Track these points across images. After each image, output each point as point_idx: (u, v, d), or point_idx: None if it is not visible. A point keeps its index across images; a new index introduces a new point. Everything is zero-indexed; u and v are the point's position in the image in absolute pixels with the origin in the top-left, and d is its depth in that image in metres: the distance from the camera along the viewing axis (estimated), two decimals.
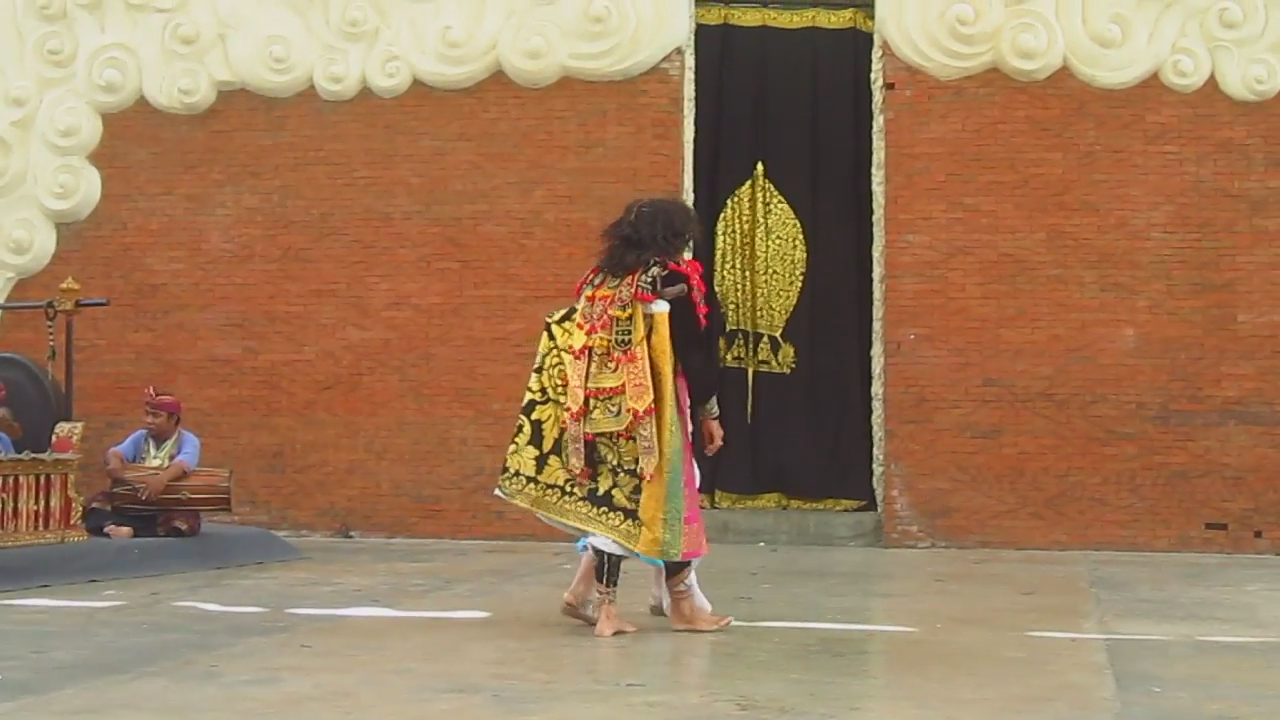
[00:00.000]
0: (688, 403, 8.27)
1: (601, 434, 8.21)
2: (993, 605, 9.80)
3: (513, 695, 6.40)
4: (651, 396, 8.07)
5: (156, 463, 11.91)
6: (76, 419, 11.86)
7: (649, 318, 8.17)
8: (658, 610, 8.60)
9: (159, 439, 12.02)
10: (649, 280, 8.17)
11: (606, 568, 8.19)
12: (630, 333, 8.17)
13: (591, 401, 8.21)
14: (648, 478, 8.09)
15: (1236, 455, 13.56)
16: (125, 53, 14.73)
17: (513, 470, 8.40)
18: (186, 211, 14.70)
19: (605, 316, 8.26)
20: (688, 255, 8.60)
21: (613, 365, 8.20)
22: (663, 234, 8.30)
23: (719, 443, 8.43)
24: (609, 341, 8.23)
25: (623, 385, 8.15)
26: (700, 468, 8.63)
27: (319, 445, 14.36)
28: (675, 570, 8.32)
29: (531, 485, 8.35)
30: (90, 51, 14.76)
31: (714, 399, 8.32)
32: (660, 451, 8.07)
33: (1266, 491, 13.52)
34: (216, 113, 14.68)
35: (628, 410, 8.11)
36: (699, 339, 8.19)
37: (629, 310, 8.19)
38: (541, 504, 8.35)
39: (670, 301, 8.16)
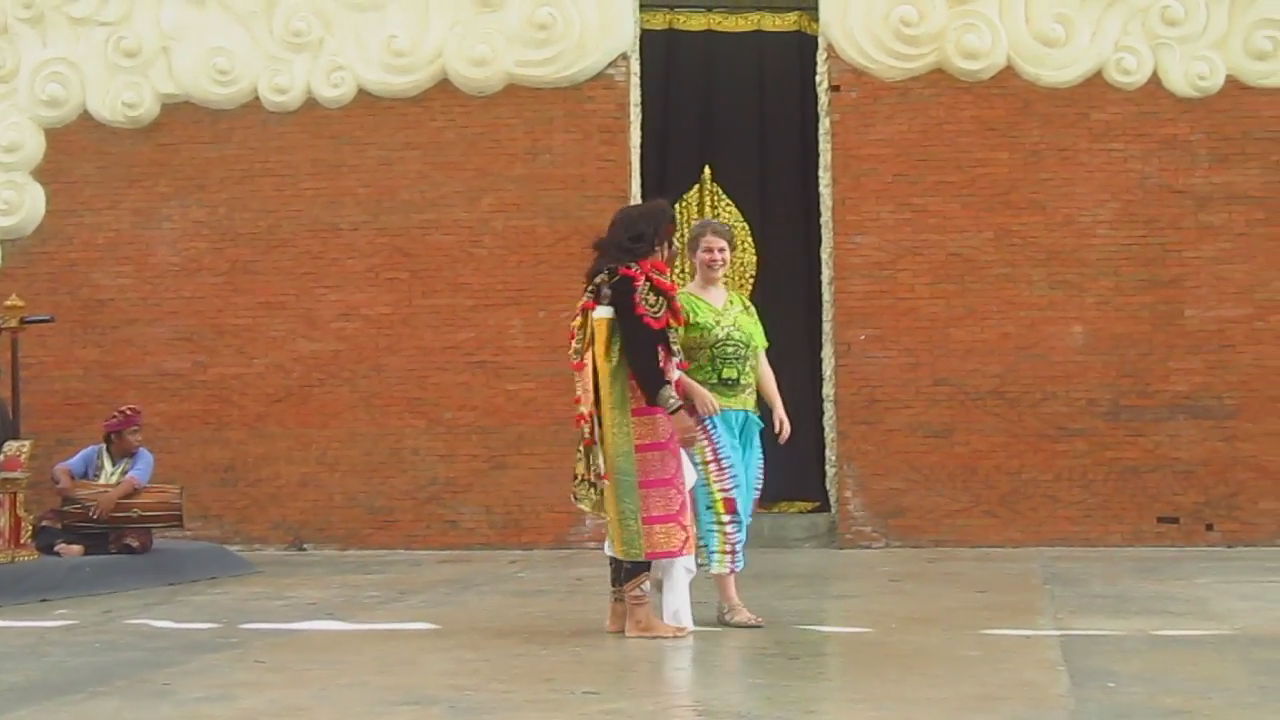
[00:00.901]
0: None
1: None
2: (947, 604, 9.83)
3: (469, 706, 6.38)
4: (591, 400, 8.23)
5: (112, 479, 11.83)
6: (25, 437, 11.77)
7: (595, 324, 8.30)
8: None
9: (120, 455, 11.95)
10: (593, 288, 8.28)
11: (611, 570, 8.44)
12: (580, 341, 8.30)
13: None
14: (604, 480, 8.26)
15: (1186, 449, 13.64)
16: (68, 67, 14.64)
17: (579, 477, 8.51)
18: (133, 226, 14.61)
19: (570, 327, 8.43)
20: (666, 254, 8.55)
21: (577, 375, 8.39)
22: (623, 238, 8.34)
23: (691, 435, 8.39)
24: (571, 351, 8.39)
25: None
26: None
27: (270, 458, 14.30)
28: (633, 573, 8.32)
29: (591, 490, 8.48)
30: (32, 66, 14.66)
31: (669, 393, 8.23)
32: (604, 454, 8.22)
33: (1217, 485, 13.60)
34: (161, 126, 14.60)
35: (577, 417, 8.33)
36: (637, 339, 8.18)
37: (578, 319, 8.33)
38: (597, 508, 8.52)
39: (614, 304, 8.20)
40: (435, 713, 6.28)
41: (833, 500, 14.08)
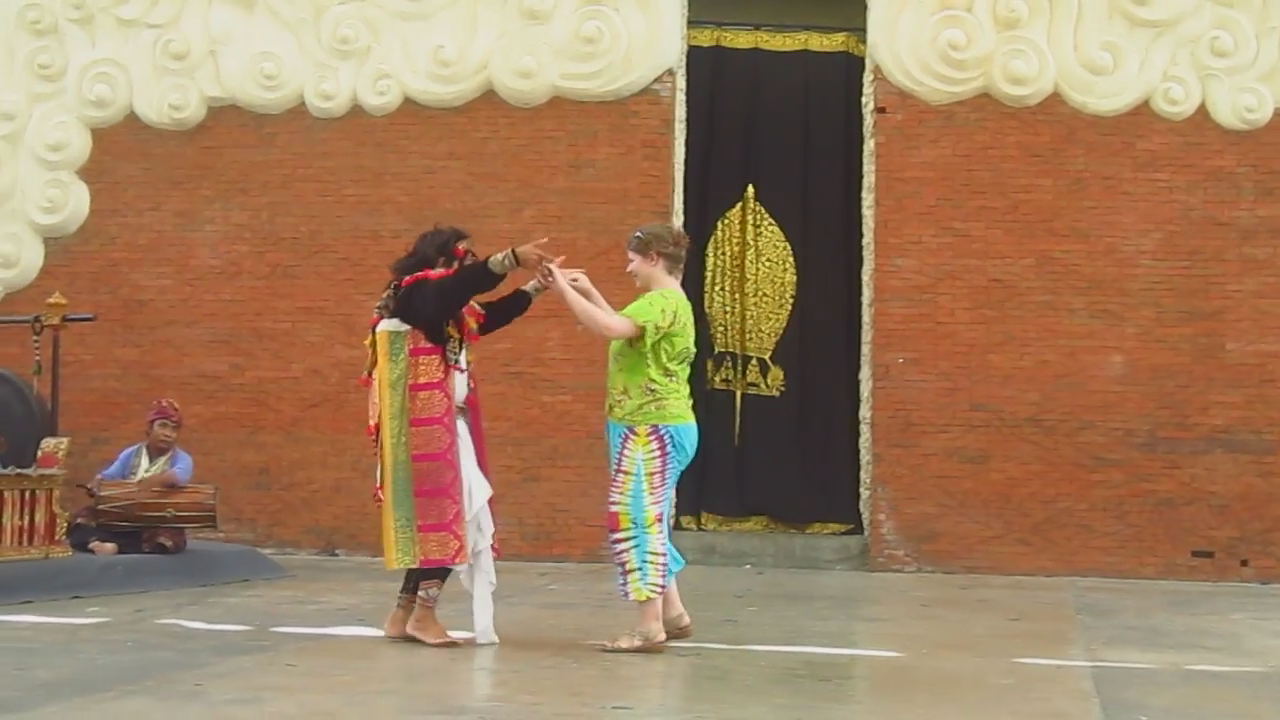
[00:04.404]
0: (451, 407, 8.37)
1: None
2: (979, 631, 9.79)
3: (498, 718, 6.37)
4: (374, 414, 8.43)
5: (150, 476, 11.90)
6: (62, 434, 11.81)
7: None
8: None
9: (161, 452, 11.99)
10: (379, 305, 8.58)
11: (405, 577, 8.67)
12: (370, 359, 8.58)
13: None
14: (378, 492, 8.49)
15: (1223, 483, 13.56)
16: (116, 68, 14.70)
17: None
18: (175, 227, 14.67)
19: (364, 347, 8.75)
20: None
21: None
22: (405, 259, 8.61)
23: (539, 254, 8.44)
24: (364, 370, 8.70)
25: None
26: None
27: (305, 463, 14.33)
28: (421, 577, 8.47)
29: None
30: (80, 66, 14.73)
31: (494, 257, 8.33)
32: (382, 465, 8.39)
33: (1253, 520, 13.52)
34: (206, 129, 14.66)
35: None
36: (441, 284, 8.35)
37: (369, 338, 8.60)
38: None
39: (403, 303, 8.37)
40: None
41: (866, 523, 14.04)
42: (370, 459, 13.91)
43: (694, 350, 8.58)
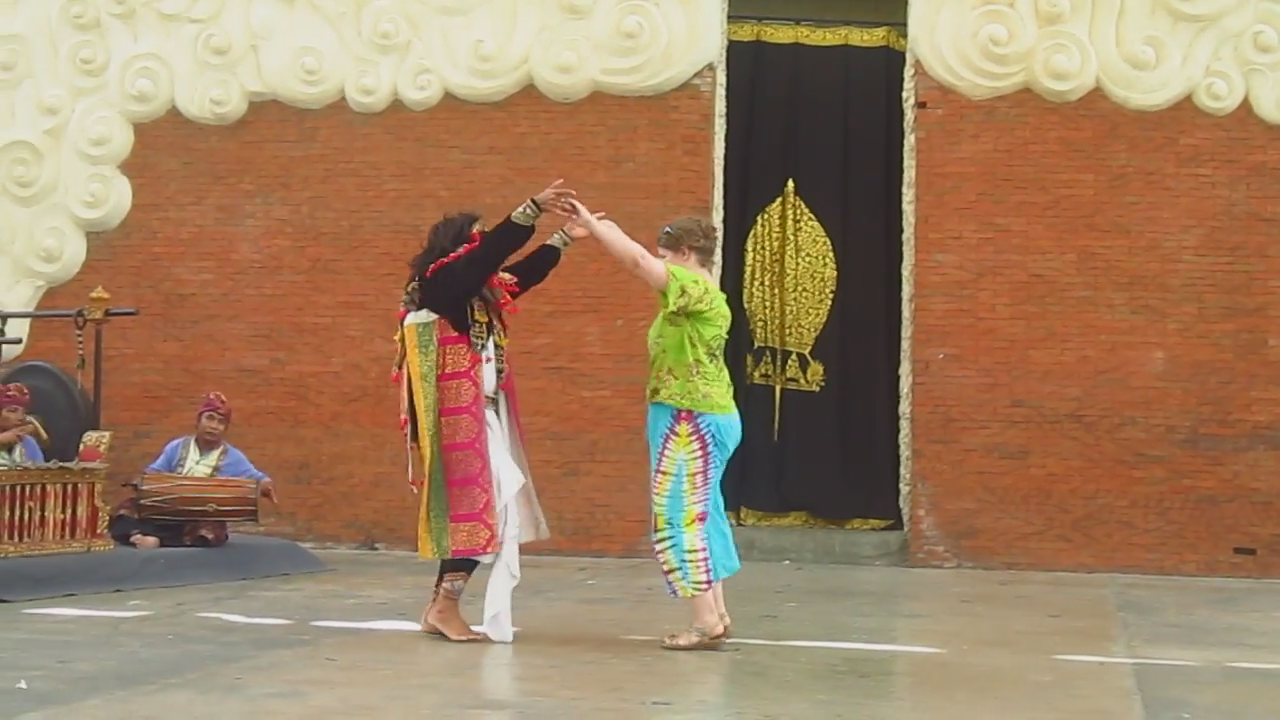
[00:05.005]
0: (479, 396, 8.35)
1: None
2: (1019, 627, 9.76)
3: (539, 712, 6.38)
4: (406, 407, 8.43)
5: (202, 470, 11.95)
6: (104, 428, 11.87)
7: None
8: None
9: (210, 445, 12.06)
10: (405, 298, 8.58)
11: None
12: (400, 354, 8.58)
13: None
14: (415, 485, 8.47)
15: (1265, 480, 13.49)
16: (157, 62, 14.76)
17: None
18: (216, 222, 14.72)
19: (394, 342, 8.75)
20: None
21: None
22: (423, 254, 8.55)
23: (568, 200, 8.51)
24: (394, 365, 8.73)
25: None
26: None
27: (345, 457, 14.36)
28: (446, 569, 8.43)
29: None
30: (123, 61, 14.79)
31: (517, 211, 8.43)
32: (421, 456, 8.37)
33: None
34: (247, 123, 14.70)
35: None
36: (470, 255, 8.35)
37: (398, 333, 8.59)
38: None
39: (432, 291, 8.36)
40: (504, 717, 6.28)
41: (905, 518, 14.01)
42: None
43: (726, 340, 8.52)
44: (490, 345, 8.46)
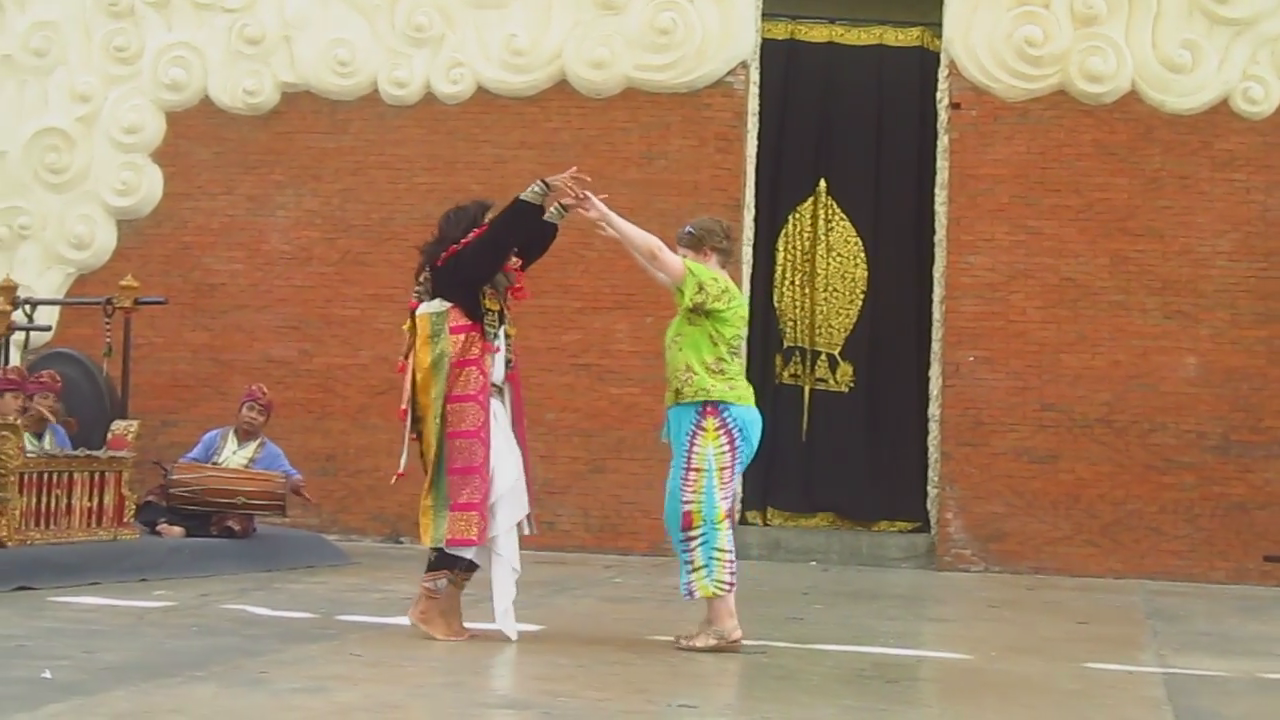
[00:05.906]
0: (487, 384, 8.25)
1: None
2: (1047, 634, 9.69)
3: (564, 713, 6.33)
4: (406, 397, 8.32)
5: (238, 460, 11.96)
6: (132, 417, 11.88)
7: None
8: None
9: (249, 436, 12.07)
10: (416, 289, 8.45)
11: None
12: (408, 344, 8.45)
13: None
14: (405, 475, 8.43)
15: None
16: (191, 52, 14.77)
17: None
18: (247, 212, 14.72)
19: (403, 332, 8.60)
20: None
21: None
22: (433, 243, 8.46)
23: (571, 180, 8.40)
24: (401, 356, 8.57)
25: None
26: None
27: (371, 450, 14.33)
28: (433, 566, 8.29)
29: None
30: (156, 50, 14.80)
31: (528, 191, 8.33)
32: (424, 445, 8.28)
33: None
34: (279, 114, 14.70)
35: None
36: (479, 240, 8.25)
37: (407, 323, 8.47)
38: None
39: (443, 280, 8.27)
40: (529, 717, 6.24)
41: (933, 521, 13.95)
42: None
43: (743, 338, 8.48)
44: (501, 334, 8.42)
